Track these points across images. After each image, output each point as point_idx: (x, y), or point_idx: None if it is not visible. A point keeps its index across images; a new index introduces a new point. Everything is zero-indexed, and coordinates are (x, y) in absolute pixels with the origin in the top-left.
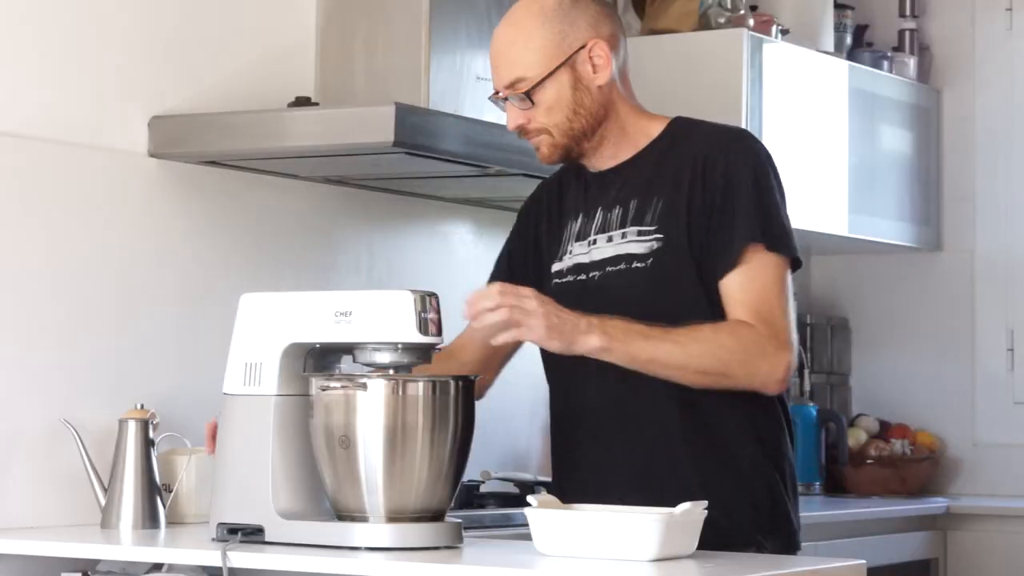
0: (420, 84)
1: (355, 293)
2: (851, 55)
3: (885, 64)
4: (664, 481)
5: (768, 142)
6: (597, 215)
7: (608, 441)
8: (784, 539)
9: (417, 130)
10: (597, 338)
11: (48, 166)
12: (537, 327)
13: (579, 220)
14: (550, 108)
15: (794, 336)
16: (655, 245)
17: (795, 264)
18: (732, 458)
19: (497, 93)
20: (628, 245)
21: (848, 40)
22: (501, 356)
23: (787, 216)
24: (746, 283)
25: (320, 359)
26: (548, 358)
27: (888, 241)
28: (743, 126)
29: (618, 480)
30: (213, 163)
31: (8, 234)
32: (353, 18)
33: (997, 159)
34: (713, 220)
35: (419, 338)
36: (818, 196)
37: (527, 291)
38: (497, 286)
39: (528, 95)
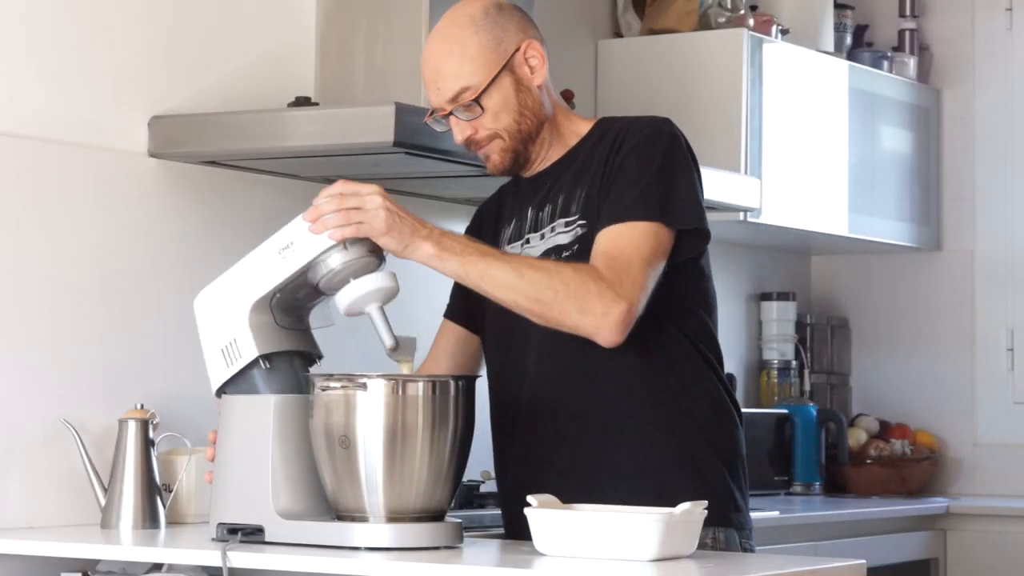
0: (420, 84)
1: (288, 225)
2: (851, 55)
3: (885, 64)
4: (604, 474)
5: (768, 142)
6: (528, 215)
7: (545, 433)
8: (735, 531)
9: (417, 130)
10: (431, 245)
11: (47, 166)
12: (375, 222)
13: (512, 224)
14: (497, 113)
15: (640, 295)
16: (579, 232)
17: (698, 237)
18: (678, 452)
19: (432, 113)
20: (556, 237)
21: (848, 40)
22: (469, 367)
23: (685, 188)
24: (615, 237)
25: (290, 311)
26: (487, 349)
27: (888, 241)
28: (743, 126)
29: (556, 473)
30: (213, 163)
31: (8, 234)
32: (353, 18)
33: (997, 159)
34: (608, 190)
35: None
36: (818, 196)
37: (371, 188)
38: (339, 184)
39: (477, 102)
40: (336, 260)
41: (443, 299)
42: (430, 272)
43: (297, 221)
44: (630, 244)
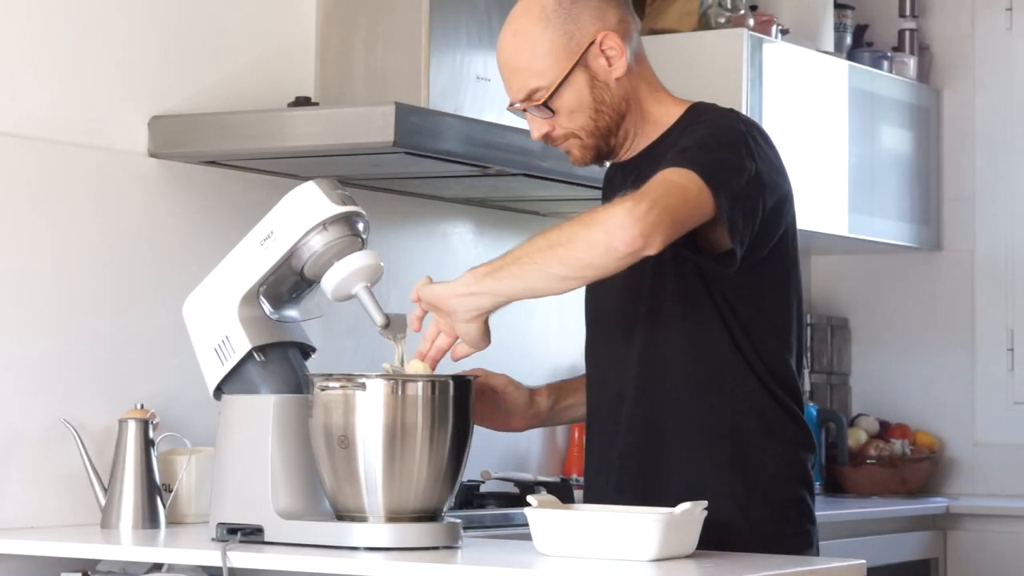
0: (420, 84)
1: (266, 217)
2: (851, 55)
3: (885, 64)
4: (651, 491)
5: None
6: None
7: (620, 436)
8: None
9: (417, 130)
10: (467, 275)
11: (48, 166)
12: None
13: None
14: (572, 112)
15: (662, 201)
16: None
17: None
18: (715, 475)
19: (513, 104)
20: None
21: (848, 40)
22: None
23: (737, 168)
24: (650, 181)
25: (278, 304)
26: (587, 346)
27: (888, 241)
28: None
29: (616, 478)
30: (213, 163)
31: (8, 234)
32: (353, 18)
33: (997, 159)
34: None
35: (338, 209)
36: (818, 196)
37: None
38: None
39: (547, 105)
40: (318, 242)
41: (436, 273)
42: (421, 248)
43: (275, 211)
44: (667, 179)
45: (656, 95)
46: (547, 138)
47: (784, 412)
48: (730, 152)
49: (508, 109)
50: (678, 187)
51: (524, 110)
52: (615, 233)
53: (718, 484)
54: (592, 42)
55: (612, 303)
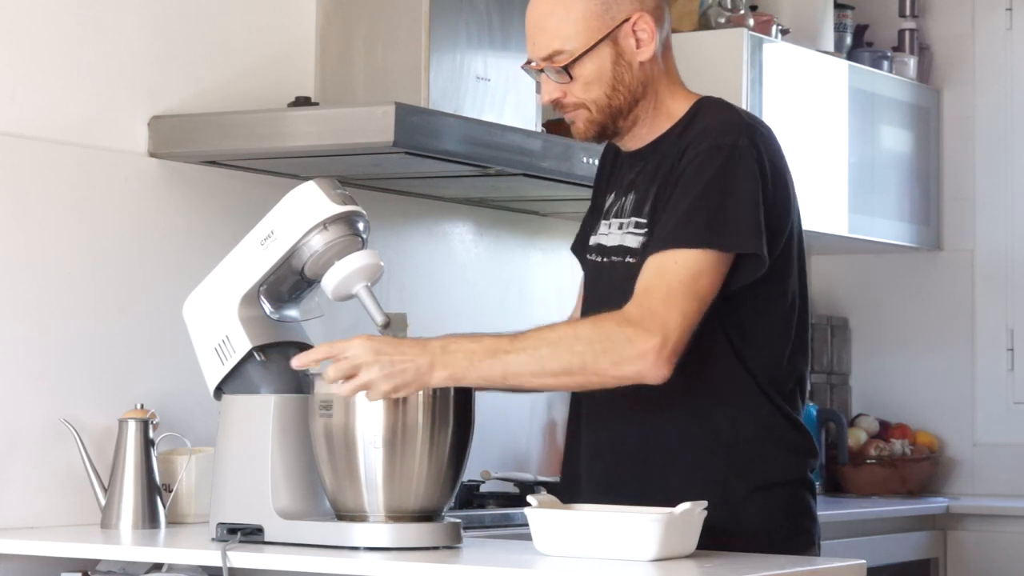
0: (420, 84)
1: (267, 217)
2: (851, 55)
3: (885, 64)
4: (642, 497)
5: None
6: (618, 197)
7: (603, 428)
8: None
9: (417, 130)
10: (441, 370)
11: (48, 166)
12: (380, 384)
13: (609, 198)
14: (588, 83)
15: (677, 323)
16: (644, 240)
17: (755, 260)
18: (703, 480)
19: (530, 63)
20: (627, 236)
21: (848, 40)
22: None
23: (734, 208)
24: (656, 268)
25: (279, 304)
26: None
27: (888, 241)
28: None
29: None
30: (213, 163)
31: (7, 234)
32: (353, 18)
33: (997, 159)
34: (664, 207)
35: (338, 208)
36: (818, 196)
37: (354, 343)
38: (323, 347)
39: (567, 69)
40: (318, 242)
41: (436, 273)
42: (421, 248)
43: (275, 211)
44: (669, 274)
45: (672, 88)
46: (556, 104)
47: (785, 419)
48: (721, 188)
49: (522, 67)
50: (683, 281)
51: (540, 70)
52: (647, 373)
53: (718, 488)
54: (627, 19)
55: (610, 310)
